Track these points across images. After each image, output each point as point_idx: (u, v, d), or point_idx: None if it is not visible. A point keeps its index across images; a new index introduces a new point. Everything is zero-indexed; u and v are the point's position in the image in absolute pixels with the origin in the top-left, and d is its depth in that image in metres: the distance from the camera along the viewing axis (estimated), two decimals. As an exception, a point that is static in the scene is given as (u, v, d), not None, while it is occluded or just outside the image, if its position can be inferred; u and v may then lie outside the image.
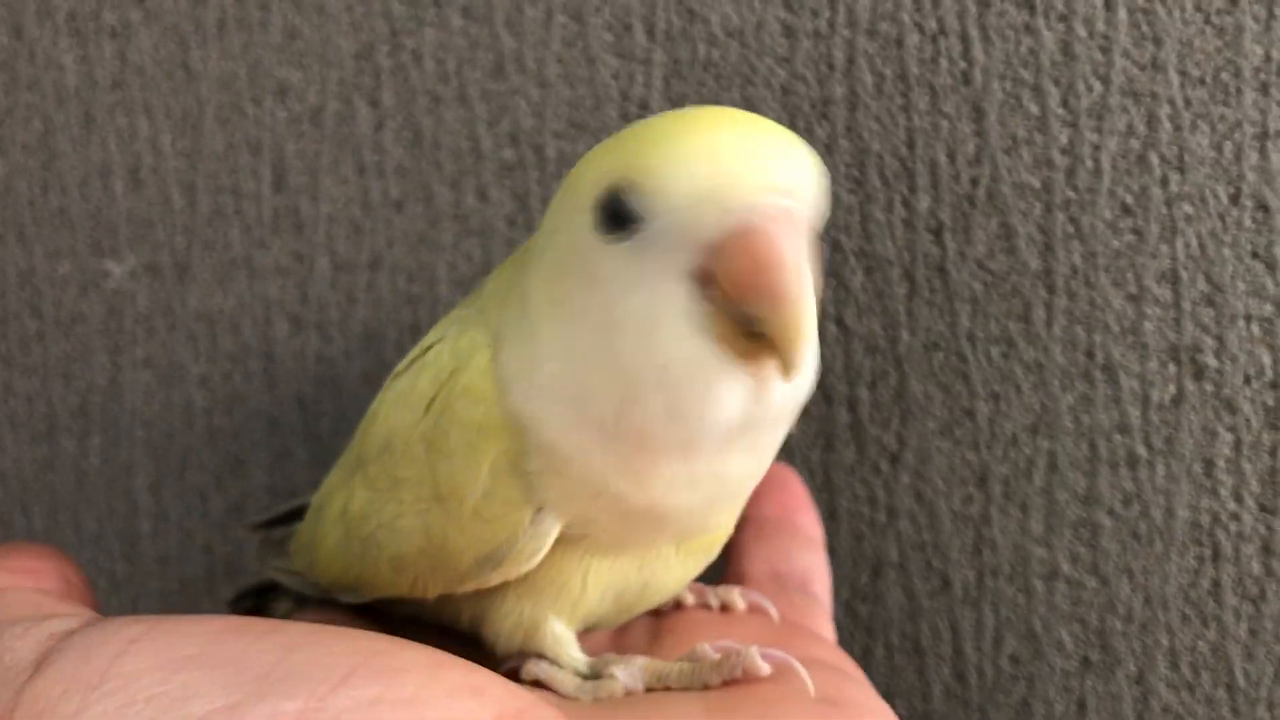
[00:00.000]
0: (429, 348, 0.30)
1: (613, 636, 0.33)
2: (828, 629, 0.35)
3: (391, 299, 0.44)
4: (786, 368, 0.24)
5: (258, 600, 0.39)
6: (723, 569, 0.36)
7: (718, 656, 0.28)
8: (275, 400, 0.45)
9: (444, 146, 0.42)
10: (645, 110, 0.41)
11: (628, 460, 0.26)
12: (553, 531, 0.28)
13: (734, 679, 0.28)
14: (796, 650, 0.29)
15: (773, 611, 0.33)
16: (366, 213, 0.43)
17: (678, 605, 0.34)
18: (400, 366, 0.31)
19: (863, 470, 0.41)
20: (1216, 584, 0.40)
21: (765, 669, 0.27)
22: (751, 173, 0.24)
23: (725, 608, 0.33)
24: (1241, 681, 0.40)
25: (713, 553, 0.31)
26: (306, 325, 0.44)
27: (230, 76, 0.43)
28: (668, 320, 0.24)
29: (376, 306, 0.44)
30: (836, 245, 0.41)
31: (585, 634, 0.31)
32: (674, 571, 0.30)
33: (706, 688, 0.28)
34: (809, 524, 0.38)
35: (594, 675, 0.29)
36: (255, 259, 0.44)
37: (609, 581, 0.29)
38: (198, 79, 0.43)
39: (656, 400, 0.25)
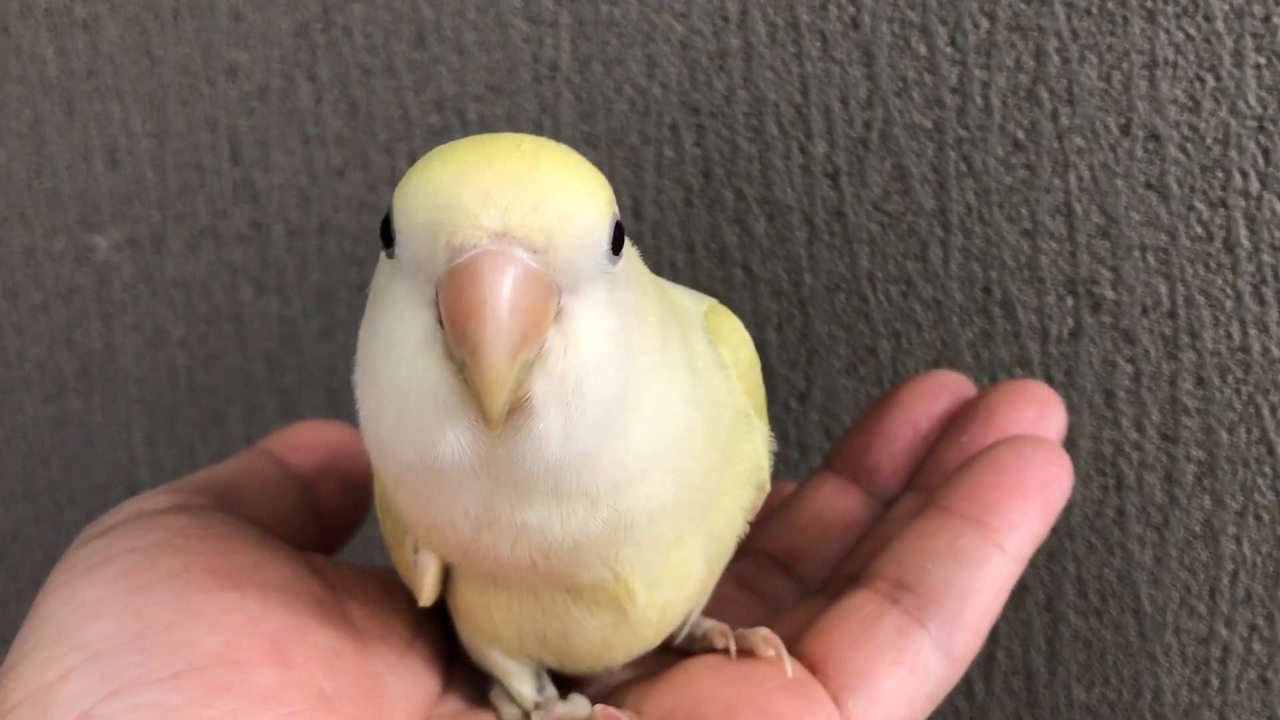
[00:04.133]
0: None
1: (624, 679, 0.33)
2: (872, 701, 0.29)
3: (340, 261, 0.47)
4: (484, 417, 0.23)
5: None
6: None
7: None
8: (246, 359, 0.49)
9: (377, 115, 0.45)
10: (556, 71, 0.43)
11: (406, 486, 0.26)
12: (429, 563, 0.28)
13: None
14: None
15: (788, 668, 0.29)
16: (313, 181, 0.46)
17: (709, 647, 0.31)
18: None
19: (774, 409, 0.43)
20: (1121, 513, 0.40)
21: None
22: (470, 212, 0.22)
23: (750, 652, 0.30)
24: (1148, 607, 0.40)
25: (632, 610, 0.28)
26: (268, 289, 0.48)
27: (187, 60, 0.47)
28: (409, 342, 0.24)
29: (327, 269, 0.47)
30: (739, 193, 0.42)
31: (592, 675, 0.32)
32: (589, 623, 0.29)
33: None
34: (1006, 525, 0.30)
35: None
36: (220, 229, 0.48)
37: (519, 622, 0.29)
38: (159, 64, 0.47)
39: (390, 413, 0.24)
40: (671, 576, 0.28)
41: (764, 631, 0.30)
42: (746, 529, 0.31)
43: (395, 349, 0.24)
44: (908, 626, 0.29)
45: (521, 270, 0.22)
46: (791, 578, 0.36)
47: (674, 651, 0.32)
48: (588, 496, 0.25)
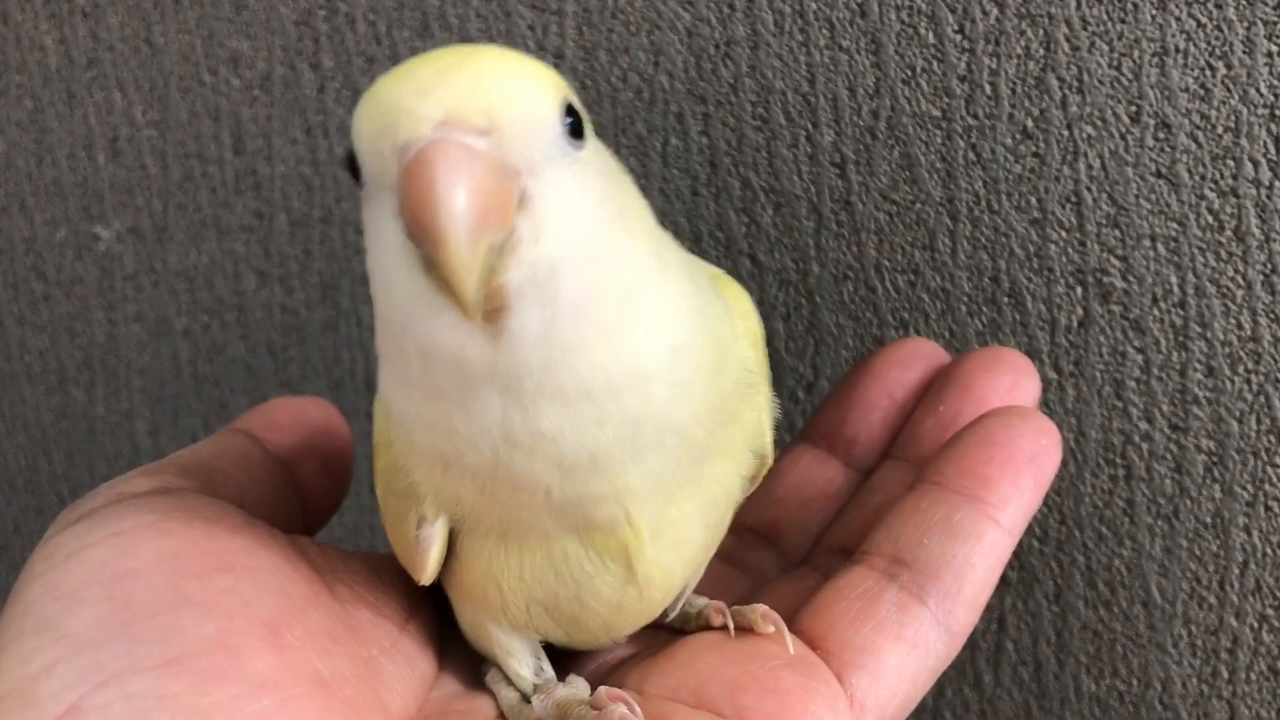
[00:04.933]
0: None
1: (621, 659, 0.32)
2: (870, 680, 0.29)
3: (343, 251, 0.46)
4: (461, 306, 0.22)
5: None
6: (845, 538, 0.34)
7: (610, 704, 0.28)
8: (249, 349, 0.49)
9: (380, 104, 0.45)
10: (560, 60, 0.42)
11: (434, 413, 0.25)
12: (434, 537, 0.28)
13: None
14: (749, 701, 0.28)
15: (790, 645, 0.29)
16: (316, 170, 0.46)
17: (705, 625, 0.31)
18: None
19: (781, 399, 0.42)
20: (1130, 503, 0.40)
21: None
22: (408, 108, 0.22)
23: (748, 629, 0.30)
24: (1158, 598, 0.40)
25: (640, 564, 0.28)
26: (271, 278, 0.48)
27: (188, 49, 0.46)
28: (391, 262, 0.24)
29: (331, 259, 0.47)
30: (746, 183, 0.42)
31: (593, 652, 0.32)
32: (601, 580, 0.28)
33: None
34: (1000, 498, 0.30)
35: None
36: (222, 219, 0.47)
37: (529, 587, 0.28)
38: (161, 53, 0.47)
39: (403, 338, 0.24)
40: (672, 535, 0.28)
41: (762, 608, 0.30)
42: (742, 500, 0.30)
43: (384, 272, 0.24)
44: (907, 603, 0.29)
45: (466, 151, 0.22)
46: (774, 551, 0.36)
47: (670, 631, 0.31)
48: (590, 398, 0.24)
